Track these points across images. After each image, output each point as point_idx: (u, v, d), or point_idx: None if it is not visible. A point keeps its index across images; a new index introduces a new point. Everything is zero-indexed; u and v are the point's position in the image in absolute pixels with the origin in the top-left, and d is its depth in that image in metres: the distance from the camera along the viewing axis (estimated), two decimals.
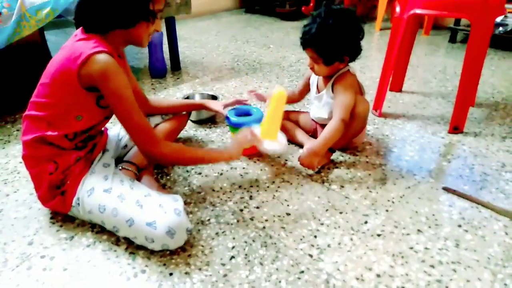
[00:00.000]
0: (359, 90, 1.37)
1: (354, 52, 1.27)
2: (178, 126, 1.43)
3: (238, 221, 1.12)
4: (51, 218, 1.12)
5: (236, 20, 3.85)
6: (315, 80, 1.43)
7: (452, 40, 2.91)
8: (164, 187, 1.27)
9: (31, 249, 1.02)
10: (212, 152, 1.25)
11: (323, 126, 1.32)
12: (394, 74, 1.95)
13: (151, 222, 0.93)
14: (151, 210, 0.95)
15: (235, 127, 1.39)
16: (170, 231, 0.93)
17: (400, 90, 2.03)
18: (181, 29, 3.35)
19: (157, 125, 1.35)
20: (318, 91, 1.41)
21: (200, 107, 1.49)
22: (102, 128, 1.17)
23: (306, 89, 1.51)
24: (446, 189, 1.26)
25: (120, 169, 1.16)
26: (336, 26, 1.21)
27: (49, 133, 0.98)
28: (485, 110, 1.82)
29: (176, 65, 2.35)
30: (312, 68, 1.33)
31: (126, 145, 1.26)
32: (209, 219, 1.13)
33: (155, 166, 1.35)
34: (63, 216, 1.11)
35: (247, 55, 2.67)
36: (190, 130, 1.65)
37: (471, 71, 1.53)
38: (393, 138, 1.58)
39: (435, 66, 2.43)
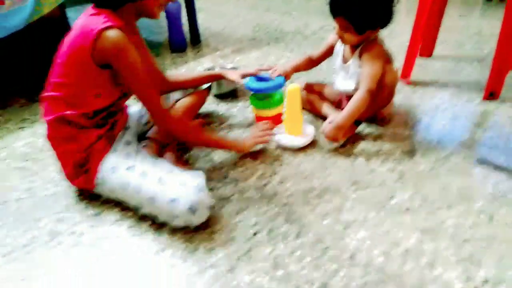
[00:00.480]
0: (387, 59, 1.29)
1: (387, 19, 1.19)
2: (199, 101, 1.41)
3: (261, 196, 1.11)
4: (79, 195, 1.14)
5: None
6: (340, 49, 1.36)
7: None
8: (187, 163, 1.27)
9: (61, 226, 1.05)
10: (226, 141, 1.29)
11: (349, 97, 1.26)
12: (424, 38, 1.83)
13: (173, 199, 0.93)
14: (173, 187, 0.95)
15: (256, 92, 1.37)
16: (192, 208, 0.93)
17: (430, 55, 1.91)
18: (199, 0, 3.27)
19: (177, 100, 1.33)
20: (344, 60, 1.34)
21: (217, 77, 1.43)
22: (123, 105, 1.16)
23: (325, 55, 1.43)
24: (480, 161, 1.19)
25: (142, 146, 1.16)
26: None
27: (68, 112, 0.99)
28: None
29: (196, 38, 2.31)
30: (341, 37, 1.25)
31: (147, 122, 1.26)
32: (232, 195, 1.12)
33: (178, 142, 1.34)
34: (90, 193, 1.14)
35: (268, 24, 2.58)
36: (211, 104, 1.63)
37: (510, 30, 1.40)
38: (422, 108, 1.50)
39: (469, 28, 2.27)
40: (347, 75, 1.34)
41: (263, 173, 1.20)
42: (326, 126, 1.26)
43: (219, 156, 1.29)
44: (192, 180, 0.96)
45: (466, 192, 1.08)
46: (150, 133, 1.23)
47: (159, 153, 1.20)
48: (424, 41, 1.84)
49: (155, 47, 2.33)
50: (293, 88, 1.26)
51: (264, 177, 1.18)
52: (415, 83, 1.67)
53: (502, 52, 1.45)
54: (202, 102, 1.44)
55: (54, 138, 1.04)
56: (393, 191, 1.10)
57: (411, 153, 1.25)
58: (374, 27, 1.21)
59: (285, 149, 1.31)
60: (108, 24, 0.91)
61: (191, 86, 1.38)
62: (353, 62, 1.29)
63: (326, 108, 1.43)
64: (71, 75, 0.97)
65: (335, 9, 1.20)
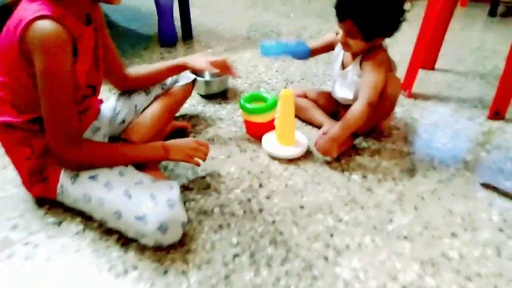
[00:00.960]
0: (390, 67, 1.19)
1: (397, 26, 1.09)
2: (181, 97, 1.26)
3: (245, 212, 0.99)
4: (39, 199, 1.01)
5: None
6: (340, 53, 1.25)
7: (492, 13, 2.63)
8: (165, 170, 1.15)
9: (15, 235, 0.92)
10: (146, 150, 0.98)
11: (346, 107, 1.16)
12: (427, 50, 1.74)
13: (140, 216, 0.80)
14: (141, 201, 0.82)
15: (275, 55, 1.30)
16: (162, 226, 0.80)
17: (432, 68, 1.83)
18: None
19: (157, 96, 1.20)
20: (343, 66, 1.24)
21: (181, 68, 1.18)
22: (90, 104, 1.01)
23: (323, 49, 1.31)
24: (485, 185, 1.10)
25: None
26: None
27: (14, 119, 0.84)
28: None
29: (187, 34, 2.18)
30: (344, 44, 1.13)
31: (123, 120, 1.13)
32: (212, 209, 1.00)
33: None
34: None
35: (265, 24, 2.47)
36: (198, 105, 1.51)
37: None
38: (423, 122, 1.40)
39: (472, 42, 2.20)
40: (345, 83, 1.24)
41: (249, 185, 1.09)
42: (320, 137, 1.15)
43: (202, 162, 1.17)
44: (163, 193, 0.84)
45: (470, 220, 0.98)
46: (123, 135, 1.10)
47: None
48: (426, 52, 1.75)
49: (143, 39, 2.20)
50: (287, 93, 1.15)
51: (249, 190, 1.07)
52: (415, 96, 1.58)
53: (511, 71, 1.36)
54: (185, 97, 1.28)
55: (5, 142, 0.90)
56: (391, 214, 0.99)
57: (411, 172, 1.15)
58: (384, 34, 1.10)
59: (274, 159, 1.19)
60: (41, 13, 0.74)
61: (153, 81, 1.18)
62: (352, 69, 1.19)
63: (319, 116, 1.32)
64: (8, 73, 0.82)
65: (343, 11, 1.07)
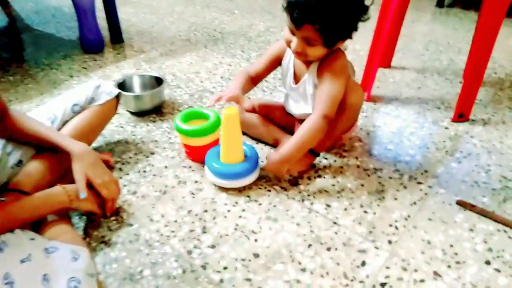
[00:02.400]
0: (349, 74, 1.02)
1: (356, 26, 0.91)
2: (101, 119, 1.03)
3: (184, 271, 0.78)
4: None
5: None
6: (290, 65, 1.05)
7: (440, 4, 2.58)
8: (80, 218, 0.90)
9: None
10: (35, 201, 0.75)
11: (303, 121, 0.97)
12: (383, 47, 1.61)
13: None
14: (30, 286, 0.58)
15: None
16: None
17: (389, 66, 1.70)
18: None
19: (66, 122, 0.95)
20: (296, 79, 1.05)
21: (61, 148, 0.85)
22: None
23: (267, 70, 1.09)
24: (461, 204, 0.96)
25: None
26: None
27: None
28: (489, 90, 1.53)
29: (116, 36, 1.89)
30: (300, 53, 0.92)
31: (20, 161, 0.86)
32: (141, 271, 0.78)
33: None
34: None
35: (207, 23, 2.24)
36: (127, 125, 1.26)
37: (484, 45, 1.20)
38: (387, 131, 1.26)
39: (424, 35, 2.11)
40: (301, 97, 1.05)
41: (189, 230, 0.87)
42: (269, 156, 0.96)
43: (129, 204, 0.94)
44: (61, 273, 0.61)
45: (452, 252, 0.83)
46: (15, 183, 0.82)
47: None
48: (382, 50, 1.62)
49: (63, 45, 1.88)
50: (230, 112, 0.94)
51: (190, 239, 0.85)
52: (375, 99, 1.43)
53: (475, 69, 1.25)
54: (105, 120, 1.05)
55: None
56: (363, 254, 0.82)
57: (380, 194, 0.99)
58: (347, 36, 0.91)
59: (220, 188, 0.99)
60: None
61: (31, 141, 0.88)
62: (308, 79, 1.00)
63: (277, 134, 1.13)
64: None
65: (304, 15, 0.84)
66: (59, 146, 0.84)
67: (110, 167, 1.04)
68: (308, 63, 0.99)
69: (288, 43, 0.93)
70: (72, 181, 0.82)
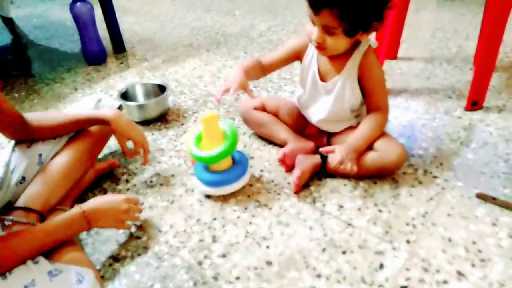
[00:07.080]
0: None
1: (383, 14, 0.86)
2: (104, 135, 1.01)
3: (195, 284, 0.75)
4: None
5: None
6: (313, 62, 1.00)
7: None
8: (87, 234, 0.88)
9: None
10: (54, 226, 0.73)
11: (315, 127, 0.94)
12: (388, 38, 1.57)
13: None
14: None
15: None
16: None
17: (395, 57, 1.65)
18: (128, 0, 2.84)
19: (70, 138, 0.94)
20: (322, 77, 0.99)
21: (99, 122, 0.94)
22: None
23: (282, 62, 1.05)
24: (481, 197, 0.92)
25: (8, 225, 0.76)
26: None
27: None
28: (502, 75, 1.47)
29: (118, 46, 1.89)
30: (321, 44, 0.88)
31: (23, 178, 0.85)
32: (152, 285, 0.75)
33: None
34: None
35: (208, 27, 2.22)
36: None
37: (495, 28, 1.15)
38: (397, 124, 1.21)
39: (430, 23, 2.05)
40: (332, 98, 0.99)
41: (199, 239, 0.85)
42: (338, 151, 0.91)
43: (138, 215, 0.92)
44: None
45: (476, 249, 0.79)
46: (21, 201, 0.81)
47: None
48: (387, 41, 1.58)
49: (67, 59, 1.88)
50: (209, 116, 0.89)
51: (200, 248, 0.83)
52: None
53: (486, 54, 1.20)
54: (109, 133, 1.03)
55: None
56: (381, 256, 0.79)
57: (394, 191, 0.95)
58: (369, 26, 0.86)
59: (228, 194, 0.96)
60: None
61: (60, 134, 0.92)
62: (346, 77, 0.95)
63: (285, 134, 1.08)
64: None
65: None
66: (93, 119, 0.92)
67: (116, 167, 1.10)
68: (340, 60, 0.95)
69: (309, 36, 0.89)
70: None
